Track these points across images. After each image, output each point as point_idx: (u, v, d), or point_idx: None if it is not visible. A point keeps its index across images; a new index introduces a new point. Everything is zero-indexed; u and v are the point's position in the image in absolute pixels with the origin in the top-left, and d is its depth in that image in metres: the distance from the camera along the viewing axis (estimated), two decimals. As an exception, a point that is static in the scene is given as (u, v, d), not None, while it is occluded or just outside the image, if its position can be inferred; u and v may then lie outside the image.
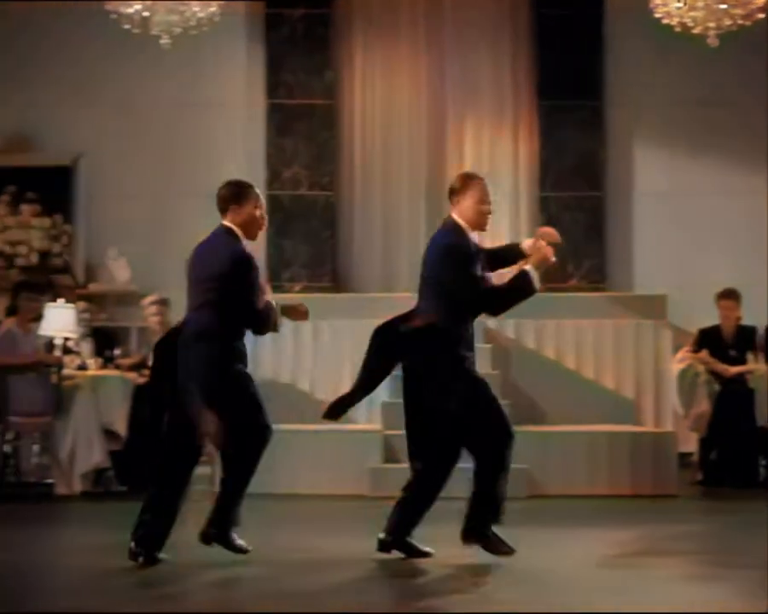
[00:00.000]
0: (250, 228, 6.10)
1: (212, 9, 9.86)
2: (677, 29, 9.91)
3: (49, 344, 9.51)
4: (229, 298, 5.88)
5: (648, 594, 5.37)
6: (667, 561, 6.34)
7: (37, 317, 9.46)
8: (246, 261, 5.95)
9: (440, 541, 6.27)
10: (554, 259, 6.07)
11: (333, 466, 9.16)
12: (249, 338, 6.13)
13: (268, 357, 10.14)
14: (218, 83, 12.20)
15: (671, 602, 5.17)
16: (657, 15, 10.11)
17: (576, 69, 12.18)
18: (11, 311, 9.63)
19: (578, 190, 12.28)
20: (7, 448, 9.33)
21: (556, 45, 12.24)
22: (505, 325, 10.30)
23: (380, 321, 10.18)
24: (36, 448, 9.52)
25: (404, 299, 11.07)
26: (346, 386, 9.95)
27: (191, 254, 6.16)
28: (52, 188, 11.97)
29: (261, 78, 12.32)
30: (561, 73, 12.20)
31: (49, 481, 9.28)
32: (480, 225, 6.17)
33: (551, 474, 9.11)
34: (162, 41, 9.63)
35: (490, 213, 6.21)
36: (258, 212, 6.14)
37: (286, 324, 6.45)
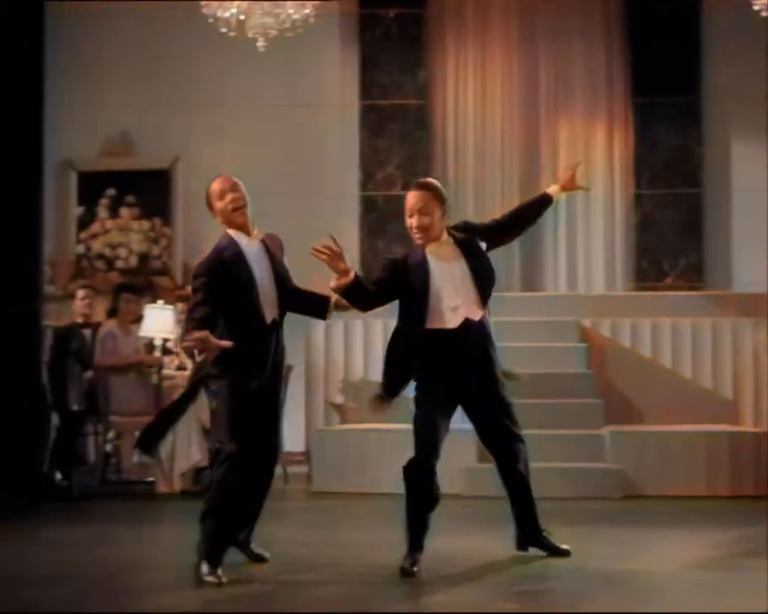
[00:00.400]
0: (229, 220, 5.86)
1: (307, 11, 9.96)
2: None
3: (149, 345, 9.67)
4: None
5: (744, 597, 5.31)
6: (765, 564, 6.26)
7: (138, 319, 9.64)
8: (196, 269, 5.85)
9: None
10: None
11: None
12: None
13: (358, 356, 10.26)
14: (313, 84, 12.28)
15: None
16: (756, 8, 10.00)
17: (671, 64, 12.06)
18: (112, 313, 9.81)
19: (674, 187, 12.17)
20: (108, 447, 9.51)
21: (650, 40, 12.13)
22: (601, 324, 10.26)
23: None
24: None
25: (497, 300, 11.13)
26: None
27: None
28: (151, 192, 12.18)
29: (355, 78, 12.40)
30: (656, 69, 12.10)
31: (150, 479, 9.45)
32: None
33: (647, 474, 9.04)
34: (258, 44, 9.75)
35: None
36: (224, 203, 5.86)
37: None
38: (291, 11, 9.72)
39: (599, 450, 9.20)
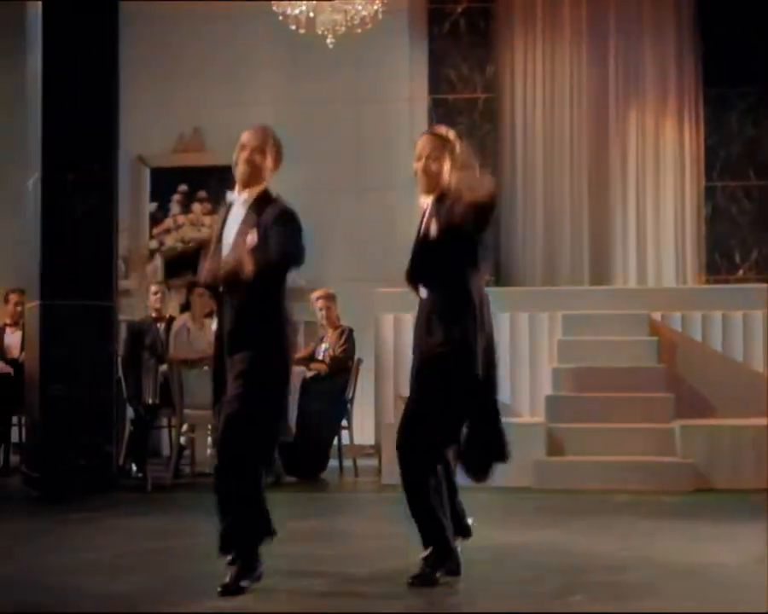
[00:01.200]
0: (236, 176, 5.35)
1: (375, 7, 10.04)
2: None
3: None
4: None
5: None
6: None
7: (210, 313, 9.76)
8: None
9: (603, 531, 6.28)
10: None
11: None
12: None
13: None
14: (382, 79, 12.37)
15: None
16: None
17: (742, 54, 11.97)
18: (185, 307, 9.96)
19: (745, 179, 12.08)
20: (182, 439, 9.66)
21: (722, 30, 12.05)
22: (671, 317, 10.22)
23: (541, 314, 10.31)
24: (210, 440, 9.85)
25: (567, 293, 11.13)
26: (504, 378, 10.14)
27: None
28: (222, 187, 12.28)
29: (424, 73, 12.46)
30: (727, 59, 12.02)
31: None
32: None
33: (718, 468, 9.01)
34: (327, 40, 9.84)
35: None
36: (237, 153, 5.35)
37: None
38: (360, 7, 9.79)
39: (670, 444, 9.17)
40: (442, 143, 5.50)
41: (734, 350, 10.15)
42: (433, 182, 5.44)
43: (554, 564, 5.90)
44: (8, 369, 10.38)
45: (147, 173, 12.49)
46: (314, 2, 9.73)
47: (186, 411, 9.37)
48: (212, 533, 5.26)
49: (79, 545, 6.58)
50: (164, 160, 12.49)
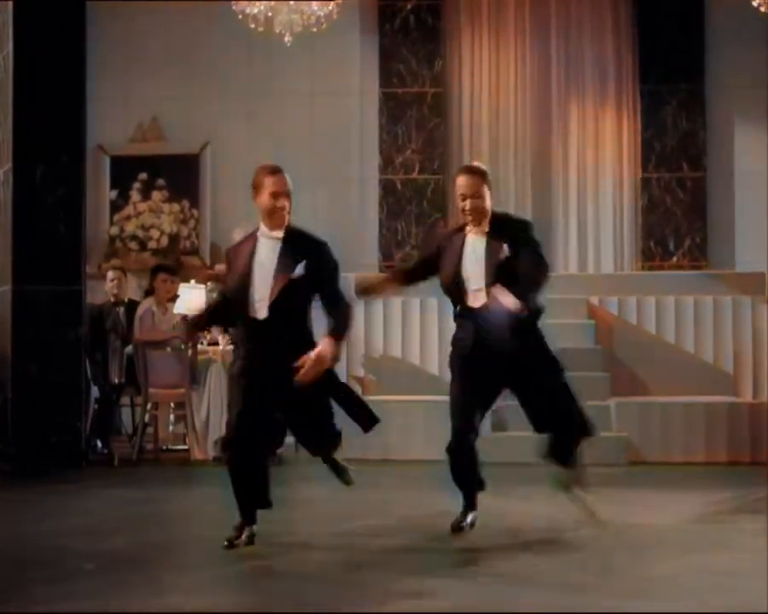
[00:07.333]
0: (268, 219, 5.87)
1: (330, 8, 10.52)
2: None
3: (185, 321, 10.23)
4: None
5: (734, 547, 5.93)
6: (757, 518, 6.82)
7: (173, 297, 10.21)
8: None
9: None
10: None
11: (445, 434, 9.73)
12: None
13: (378, 332, 10.82)
14: (335, 73, 12.84)
15: (757, 551, 5.72)
16: (754, 3, 10.54)
17: (677, 53, 12.54)
18: (149, 292, 10.41)
19: (679, 171, 12.67)
20: (146, 417, 10.10)
21: (657, 30, 12.62)
22: (608, 302, 10.78)
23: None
24: (172, 417, 10.34)
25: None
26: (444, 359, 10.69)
27: None
28: (180, 175, 12.78)
29: (374, 68, 12.94)
30: (663, 57, 12.59)
31: (184, 447, 10.06)
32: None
33: (651, 442, 9.60)
34: (285, 39, 10.31)
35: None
36: (271, 201, 5.83)
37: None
38: (316, 8, 10.27)
39: (606, 420, 9.67)
40: (480, 179, 6.32)
41: (666, 332, 10.74)
42: (482, 216, 6.27)
43: (500, 525, 6.48)
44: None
45: (107, 161, 12.88)
46: (272, 2, 10.18)
47: (150, 390, 9.82)
48: (180, 501, 5.77)
49: (63, 512, 7.12)
50: (123, 149, 12.89)
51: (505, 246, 6.19)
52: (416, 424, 9.69)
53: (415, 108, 12.89)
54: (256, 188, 5.91)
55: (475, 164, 6.67)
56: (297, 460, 10.09)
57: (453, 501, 6.44)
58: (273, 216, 5.84)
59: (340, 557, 5.76)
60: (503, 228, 6.27)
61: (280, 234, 5.86)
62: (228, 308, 6.04)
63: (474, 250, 6.26)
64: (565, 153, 12.89)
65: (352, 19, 12.63)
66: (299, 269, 5.77)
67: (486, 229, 6.28)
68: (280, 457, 10.13)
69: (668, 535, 6.19)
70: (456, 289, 6.31)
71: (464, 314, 6.32)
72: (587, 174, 12.89)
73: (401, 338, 10.86)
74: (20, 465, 9.06)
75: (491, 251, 6.20)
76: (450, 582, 5.19)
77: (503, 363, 6.24)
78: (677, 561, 5.57)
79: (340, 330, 5.79)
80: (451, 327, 6.55)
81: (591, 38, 12.95)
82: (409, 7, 12.90)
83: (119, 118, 12.83)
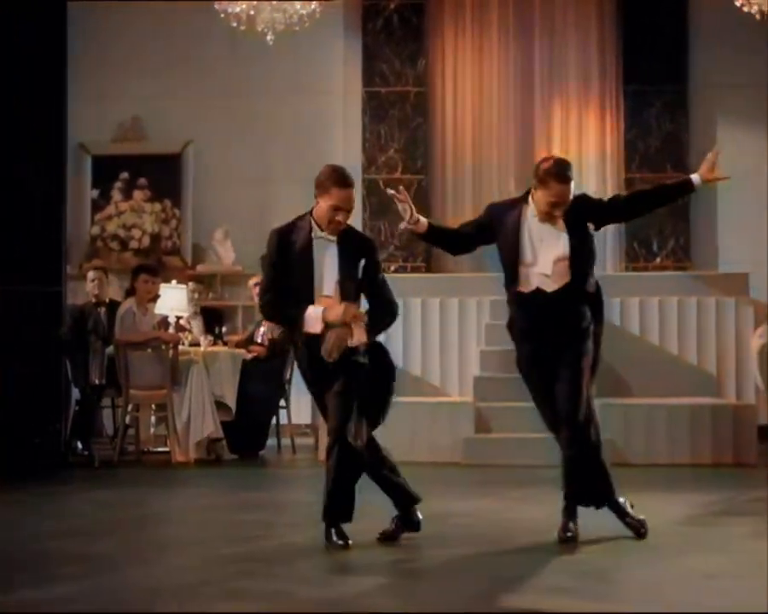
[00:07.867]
0: (322, 222, 5.93)
1: (313, 6, 10.48)
2: (757, 17, 10.32)
3: (165, 322, 10.19)
4: None
5: (718, 549, 5.90)
6: (744, 520, 6.83)
7: (154, 298, 10.15)
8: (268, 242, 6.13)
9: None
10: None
11: (428, 435, 9.73)
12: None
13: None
14: (318, 72, 12.81)
15: (745, 553, 5.72)
16: (737, 3, 10.54)
17: (660, 54, 12.56)
18: (130, 292, 10.32)
19: (662, 171, 12.66)
20: (126, 418, 10.03)
21: (641, 31, 12.63)
22: (592, 303, 10.75)
23: (470, 300, 10.84)
24: (153, 419, 10.26)
25: (495, 280, 11.64)
26: (434, 360, 10.70)
27: None
28: (162, 175, 12.72)
29: (358, 67, 12.91)
30: (646, 58, 12.60)
31: (165, 449, 9.99)
32: None
33: (634, 444, 9.56)
34: (267, 38, 10.26)
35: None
36: (332, 211, 5.88)
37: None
38: (298, 6, 10.22)
39: (590, 421, 9.71)
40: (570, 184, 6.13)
41: (650, 333, 10.74)
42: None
43: (486, 526, 6.44)
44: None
45: (88, 161, 12.82)
46: (255, 1, 10.13)
47: (131, 391, 9.75)
48: (161, 504, 5.75)
49: (42, 514, 7.05)
50: (105, 148, 12.82)
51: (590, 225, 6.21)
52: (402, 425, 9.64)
53: (398, 108, 12.87)
54: (321, 190, 5.93)
55: (566, 162, 6.34)
56: (279, 461, 10.14)
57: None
58: (329, 226, 5.93)
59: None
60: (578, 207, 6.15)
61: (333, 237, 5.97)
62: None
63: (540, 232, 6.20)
64: (548, 153, 12.84)
65: (335, 18, 12.62)
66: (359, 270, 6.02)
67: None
68: (262, 459, 10.15)
69: (654, 538, 6.15)
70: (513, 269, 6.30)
71: (518, 296, 6.35)
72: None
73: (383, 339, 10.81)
74: (1, 466, 8.97)
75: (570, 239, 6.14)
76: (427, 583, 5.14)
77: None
78: (665, 563, 5.54)
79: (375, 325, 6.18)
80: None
81: (575, 38, 12.96)
82: (392, 6, 12.87)
83: (100, 117, 12.77)
